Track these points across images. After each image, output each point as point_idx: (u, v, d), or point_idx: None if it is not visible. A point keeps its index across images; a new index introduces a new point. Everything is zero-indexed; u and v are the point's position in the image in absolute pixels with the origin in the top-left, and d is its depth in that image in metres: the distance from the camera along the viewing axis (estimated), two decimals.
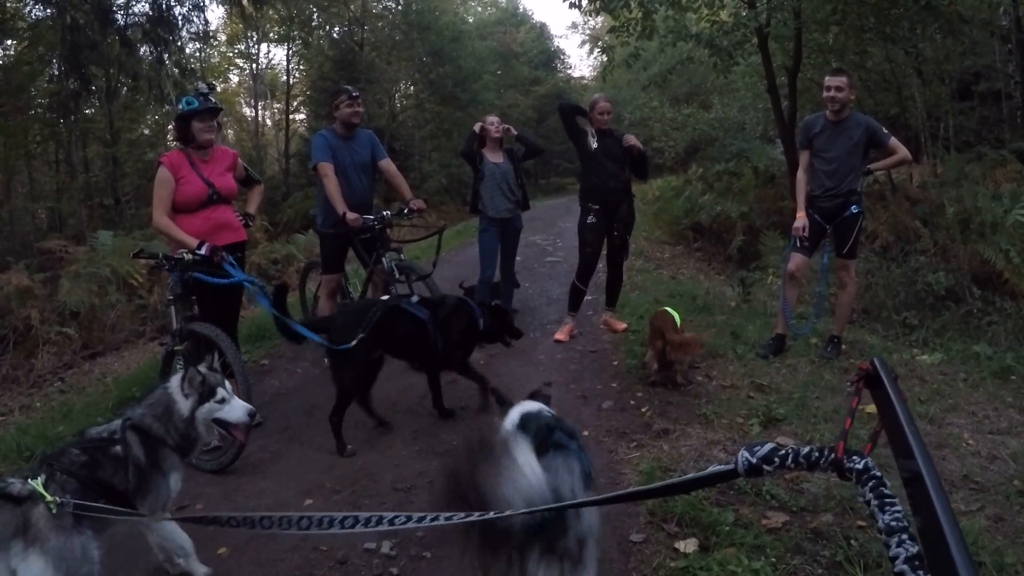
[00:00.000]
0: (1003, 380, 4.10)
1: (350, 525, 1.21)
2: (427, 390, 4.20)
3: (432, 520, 1.17)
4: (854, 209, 4.35)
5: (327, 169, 4.21)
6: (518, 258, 5.78)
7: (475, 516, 1.18)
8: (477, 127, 5.29)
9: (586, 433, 3.48)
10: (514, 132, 5.50)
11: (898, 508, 0.80)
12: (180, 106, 3.61)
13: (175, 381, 2.26)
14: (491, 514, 1.19)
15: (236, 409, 2.34)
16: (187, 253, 3.36)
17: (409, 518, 1.18)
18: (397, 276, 4.41)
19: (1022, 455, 2.99)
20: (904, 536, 0.76)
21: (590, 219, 5.04)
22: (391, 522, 1.19)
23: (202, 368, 2.28)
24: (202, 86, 3.69)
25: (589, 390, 4.06)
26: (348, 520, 1.22)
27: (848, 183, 4.32)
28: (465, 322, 3.58)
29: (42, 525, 1.70)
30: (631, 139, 4.92)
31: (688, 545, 2.38)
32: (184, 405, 2.21)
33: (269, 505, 2.84)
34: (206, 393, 2.24)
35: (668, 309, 4.25)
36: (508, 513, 1.19)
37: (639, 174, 5.21)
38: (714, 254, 11.54)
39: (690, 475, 1.12)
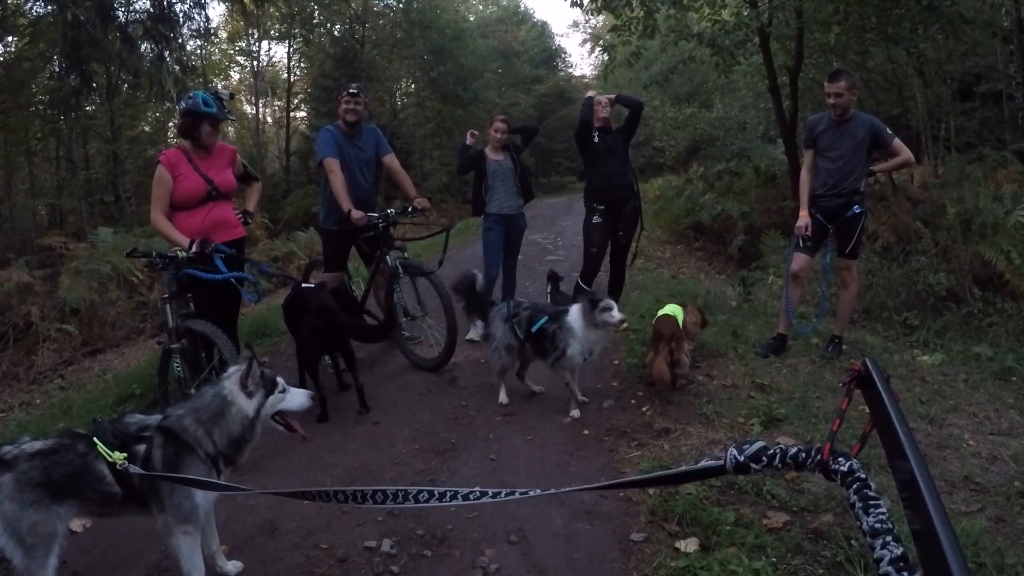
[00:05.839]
0: (1004, 381, 4.10)
1: (424, 499, 1.23)
2: (428, 389, 4.22)
3: (507, 495, 1.19)
4: (856, 209, 4.34)
5: (334, 164, 4.19)
6: (519, 256, 5.77)
7: (535, 492, 1.22)
8: (468, 139, 5.19)
9: (586, 432, 3.48)
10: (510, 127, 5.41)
11: (882, 510, 0.80)
12: (192, 103, 3.53)
13: (231, 382, 2.12)
14: (552, 490, 1.27)
15: (298, 396, 2.22)
16: (180, 251, 3.36)
17: (484, 493, 1.20)
18: (401, 274, 4.40)
19: (1023, 456, 2.99)
20: (889, 538, 0.76)
21: (595, 219, 5.03)
22: (465, 497, 1.20)
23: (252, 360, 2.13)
24: (224, 92, 3.68)
25: (590, 389, 4.05)
26: (423, 494, 1.23)
27: (851, 183, 4.31)
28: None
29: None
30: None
31: (689, 544, 2.38)
32: (248, 405, 2.08)
33: (268, 503, 2.84)
34: (269, 386, 2.13)
35: (667, 312, 4.21)
36: (569, 489, 1.26)
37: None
38: (715, 253, 11.53)
39: (681, 468, 1.13)
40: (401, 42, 20.43)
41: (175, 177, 3.52)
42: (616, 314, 3.53)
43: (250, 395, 2.10)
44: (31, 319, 6.24)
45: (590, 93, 5.21)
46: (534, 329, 3.65)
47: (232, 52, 22.96)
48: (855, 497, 0.83)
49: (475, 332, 5.10)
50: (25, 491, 1.87)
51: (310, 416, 3.76)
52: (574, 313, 3.60)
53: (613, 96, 5.18)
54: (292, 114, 21.59)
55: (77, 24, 11.18)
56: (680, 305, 4.33)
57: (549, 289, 5.75)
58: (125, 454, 1.90)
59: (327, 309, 3.72)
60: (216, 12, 34.95)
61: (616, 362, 4.61)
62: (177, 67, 13.40)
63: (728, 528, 2.42)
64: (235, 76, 24.64)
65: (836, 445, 0.91)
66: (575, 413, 3.67)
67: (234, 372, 2.17)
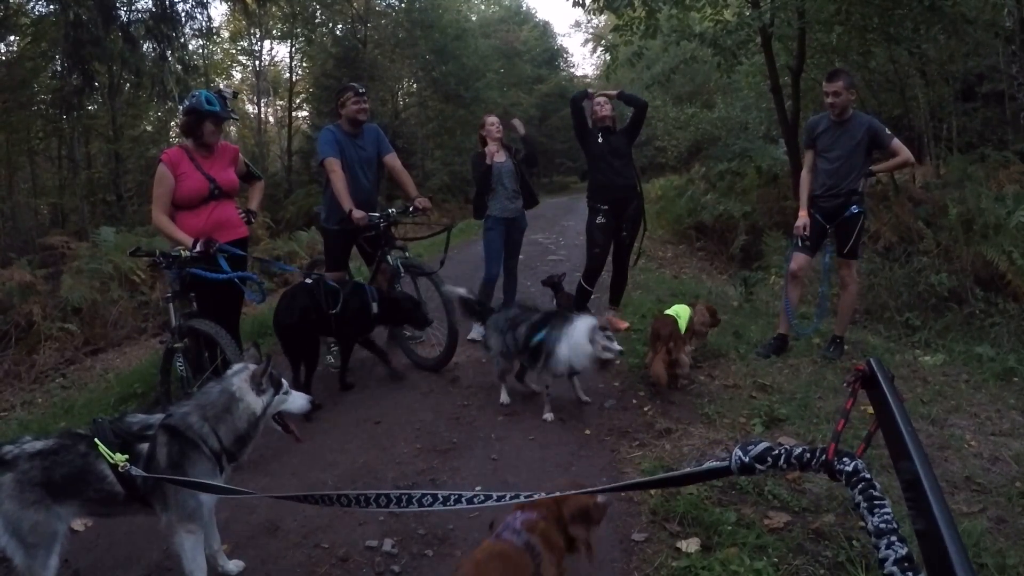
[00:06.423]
0: (1005, 382, 4.10)
1: (428, 503, 1.23)
2: (430, 388, 4.23)
3: (512, 498, 1.20)
4: (855, 209, 4.34)
5: (335, 164, 4.19)
6: (521, 257, 5.77)
7: (539, 495, 1.26)
8: (487, 159, 5.07)
9: (588, 432, 3.48)
10: (522, 131, 5.35)
11: (887, 510, 0.80)
12: (195, 101, 3.51)
13: (239, 379, 2.14)
14: (557, 493, 1.30)
15: (299, 399, 2.28)
16: (184, 250, 3.36)
17: (488, 496, 1.19)
18: (402, 273, 4.40)
19: None
20: (893, 538, 0.77)
21: (599, 219, 5.02)
22: (470, 501, 1.20)
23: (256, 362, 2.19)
24: (227, 91, 3.66)
25: (591, 389, 4.05)
26: (427, 498, 1.23)
27: (849, 183, 4.31)
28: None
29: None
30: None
31: (690, 545, 2.37)
32: (257, 402, 2.11)
33: (269, 504, 2.84)
34: (276, 386, 2.18)
35: (668, 312, 4.20)
36: (572, 493, 1.30)
37: None
38: (716, 254, 11.54)
39: (686, 469, 1.13)
40: (403, 42, 20.43)
41: (177, 176, 3.51)
42: (614, 346, 3.47)
43: (261, 392, 2.12)
44: (33, 318, 6.26)
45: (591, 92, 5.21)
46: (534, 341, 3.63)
47: (234, 52, 23.01)
48: (860, 497, 0.84)
49: (476, 332, 5.10)
50: (26, 491, 1.87)
51: (318, 413, 3.77)
52: (580, 327, 3.51)
53: (615, 92, 5.16)
54: (294, 114, 21.62)
55: (79, 23, 11.21)
56: (689, 305, 4.33)
57: (554, 297, 5.73)
58: (127, 455, 1.90)
59: (290, 313, 3.89)
60: (218, 11, 35.01)
61: (618, 362, 4.60)
62: (179, 66, 13.44)
63: (729, 528, 2.42)
64: (237, 75, 24.67)
65: (839, 445, 0.91)
66: (548, 416, 3.67)
67: (241, 369, 2.18)
